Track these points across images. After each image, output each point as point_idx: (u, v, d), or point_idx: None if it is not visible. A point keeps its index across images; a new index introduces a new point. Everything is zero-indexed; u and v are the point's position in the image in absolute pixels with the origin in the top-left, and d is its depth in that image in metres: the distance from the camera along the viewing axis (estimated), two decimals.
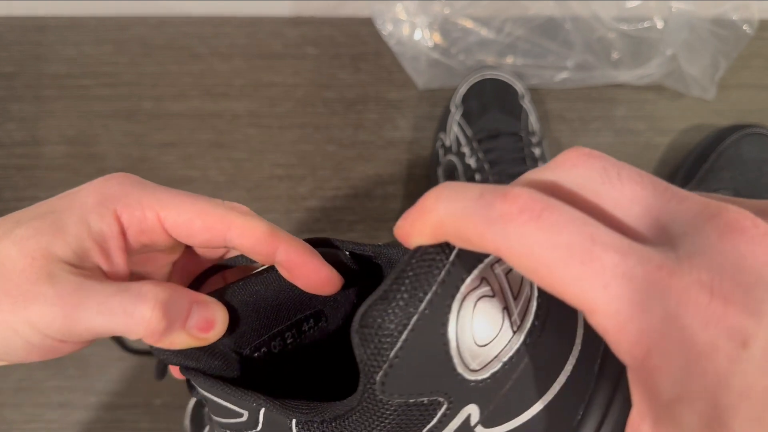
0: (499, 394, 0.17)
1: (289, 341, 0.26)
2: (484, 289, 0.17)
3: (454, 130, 0.52)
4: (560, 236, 0.13)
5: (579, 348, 0.18)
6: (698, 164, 0.52)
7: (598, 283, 0.13)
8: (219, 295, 0.24)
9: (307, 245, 0.24)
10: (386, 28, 0.55)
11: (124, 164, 0.56)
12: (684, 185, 0.52)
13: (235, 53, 0.59)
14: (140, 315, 0.21)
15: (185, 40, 0.59)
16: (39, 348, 0.22)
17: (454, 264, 0.16)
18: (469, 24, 0.55)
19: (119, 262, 0.23)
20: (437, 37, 0.56)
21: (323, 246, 0.25)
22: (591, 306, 0.13)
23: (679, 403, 0.13)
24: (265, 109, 0.57)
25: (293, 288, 0.24)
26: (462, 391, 0.17)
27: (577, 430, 0.18)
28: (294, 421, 0.21)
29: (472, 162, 0.50)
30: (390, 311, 0.16)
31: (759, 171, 0.50)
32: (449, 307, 0.16)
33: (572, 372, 0.18)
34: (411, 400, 0.17)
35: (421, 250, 0.16)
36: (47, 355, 0.22)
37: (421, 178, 0.55)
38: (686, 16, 0.53)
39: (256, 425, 0.22)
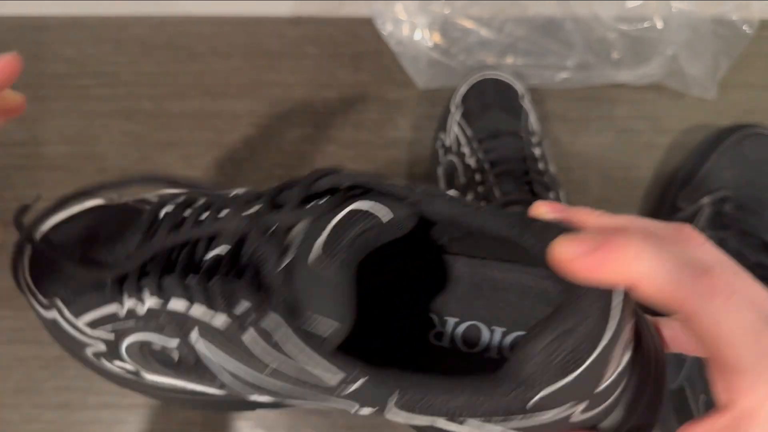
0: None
1: None
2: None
3: (454, 130, 0.52)
4: (745, 319, 0.18)
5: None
6: (699, 164, 0.52)
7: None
8: None
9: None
10: (386, 28, 0.55)
11: (124, 164, 0.56)
12: (684, 185, 0.52)
13: (235, 53, 0.59)
14: None
15: (185, 39, 0.59)
16: None
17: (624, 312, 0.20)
18: (469, 24, 0.55)
19: None
20: (437, 37, 0.56)
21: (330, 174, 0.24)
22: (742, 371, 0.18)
23: None
24: (265, 109, 0.57)
25: None
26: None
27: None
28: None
29: (472, 162, 0.50)
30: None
31: (760, 171, 0.50)
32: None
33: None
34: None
35: (612, 300, 0.20)
36: None
37: (421, 177, 0.55)
38: (686, 16, 0.53)
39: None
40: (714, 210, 0.49)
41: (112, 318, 0.27)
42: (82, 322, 0.28)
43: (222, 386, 0.26)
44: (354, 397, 0.22)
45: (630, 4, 0.53)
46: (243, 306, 0.23)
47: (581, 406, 0.21)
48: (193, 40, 0.59)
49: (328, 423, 0.51)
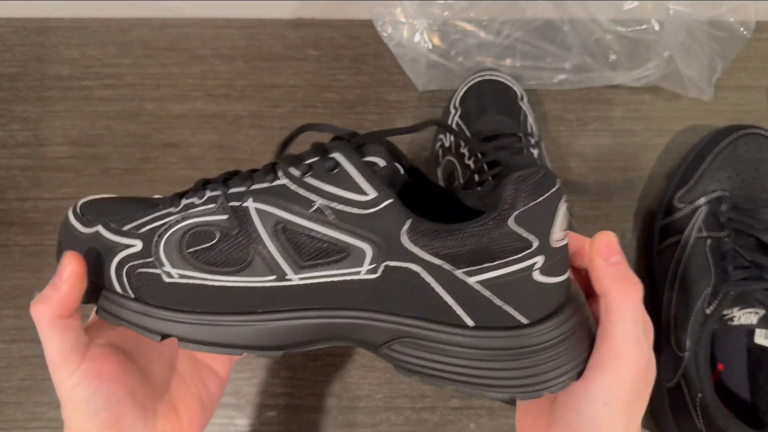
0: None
1: None
2: None
3: None
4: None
5: None
6: (695, 165, 0.52)
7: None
8: None
9: None
10: (386, 30, 0.56)
11: (126, 165, 0.56)
12: (681, 186, 0.52)
13: (237, 55, 0.60)
14: None
15: (187, 41, 0.60)
16: None
17: None
18: (467, 26, 0.56)
19: None
20: (436, 40, 0.56)
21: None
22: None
23: None
24: (267, 110, 0.58)
25: None
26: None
27: None
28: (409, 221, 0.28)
29: (470, 163, 0.50)
30: None
31: (756, 171, 0.50)
32: None
33: None
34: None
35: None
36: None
37: None
38: (683, 18, 0.53)
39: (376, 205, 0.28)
40: (710, 210, 0.49)
41: (160, 218, 0.31)
42: (127, 227, 0.31)
43: (251, 260, 0.29)
44: (378, 218, 0.28)
45: (627, 5, 0.54)
46: (309, 158, 0.30)
47: (540, 261, 0.27)
48: (195, 42, 0.60)
49: (329, 421, 0.51)
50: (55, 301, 0.29)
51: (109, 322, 0.31)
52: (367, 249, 0.28)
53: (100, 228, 0.32)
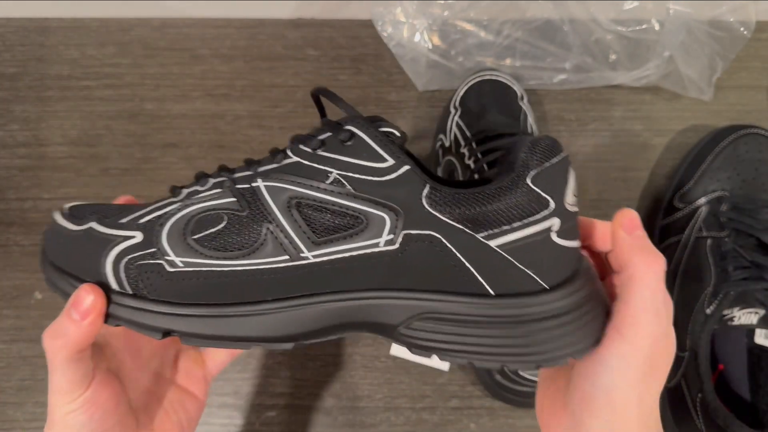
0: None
1: None
2: None
3: (454, 131, 0.53)
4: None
5: None
6: (695, 165, 0.52)
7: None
8: None
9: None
10: (386, 30, 0.56)
11: (126, 165, 0.56)
12: (681, 186, 0.52)
13: (237, 55, 0.60)
14: None
15: (187, 41, 0.60)
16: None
17: None
18: (467, 26, 0.56)
19: None
20: (436, 39, 0.56)
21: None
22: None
23: None
24: (267, 110, 0.58)
25: None
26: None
27: None
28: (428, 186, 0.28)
29: (470, 163, 0.50)
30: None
31: (756, 171, 0.50)
32: None
33: None
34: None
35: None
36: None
37: None
38: (683, 18, 0.53)
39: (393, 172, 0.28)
40: (710, 210, 0.50)
41: (161, 207, 0.30)
42: (124, 220, 0.30)
43: (263, 241, 0.29)
44: (397, 184, 0.28)
45: (627, 5, 0.54)
46: (321, 133, 0.30)
47: (557, 223, 0.28)
48: (195, 42, 0.60)
49: (329, 421, 0.51)
50: (73, 337, 0.27)
51: (106, 323, 0.29)
52: (386, 217, 0.28)
53: (93, 224, 0.30)
